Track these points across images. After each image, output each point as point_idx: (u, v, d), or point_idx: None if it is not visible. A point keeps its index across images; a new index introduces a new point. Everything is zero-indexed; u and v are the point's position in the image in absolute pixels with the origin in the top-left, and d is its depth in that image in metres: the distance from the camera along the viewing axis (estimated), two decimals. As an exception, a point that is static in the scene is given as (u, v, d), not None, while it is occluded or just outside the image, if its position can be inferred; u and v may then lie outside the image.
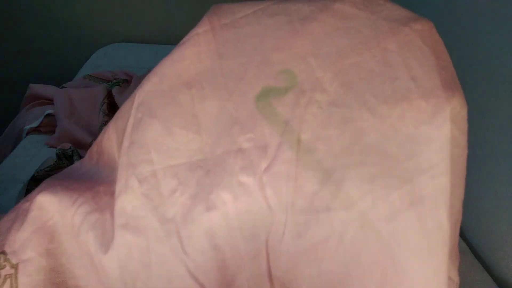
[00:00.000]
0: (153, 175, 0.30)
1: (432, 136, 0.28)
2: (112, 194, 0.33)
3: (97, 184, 0.36)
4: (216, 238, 0.28)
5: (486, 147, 0.62)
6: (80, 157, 0.74)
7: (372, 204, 0.26)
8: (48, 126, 0.87)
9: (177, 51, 0.35)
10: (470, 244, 0.65)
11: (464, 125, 0.31)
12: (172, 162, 0.30)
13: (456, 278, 0.31)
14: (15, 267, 0.31)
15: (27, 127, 0.86)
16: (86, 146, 0.78)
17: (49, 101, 0.92)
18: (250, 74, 0.31)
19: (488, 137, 0.61)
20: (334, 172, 0.26)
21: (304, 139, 0.28)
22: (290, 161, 0.28)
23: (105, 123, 0.83)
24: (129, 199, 0.31)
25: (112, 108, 0.88)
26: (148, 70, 1.11)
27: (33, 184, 0.68)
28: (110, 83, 0.96)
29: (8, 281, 0.31)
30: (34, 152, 0.81)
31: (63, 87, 0.95)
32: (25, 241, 0.33)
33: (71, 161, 0.73)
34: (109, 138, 0.38)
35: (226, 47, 0.32)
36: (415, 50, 0.30)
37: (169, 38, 1.41)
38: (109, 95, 0.92)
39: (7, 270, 0.31)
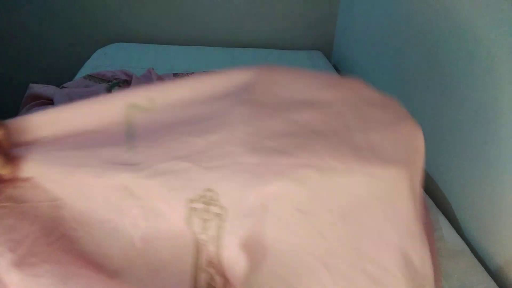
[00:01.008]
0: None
1: None
2: None
3: None
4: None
5: (485, 147, 0.62)
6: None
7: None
8: (48, 126, 0.87)
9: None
10: (470, 244, 0.65)
11: None
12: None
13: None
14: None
15: (27, 127, 0.86)
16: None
17: (49, 101, 0.92)
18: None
19: (488, 137, 0.61)
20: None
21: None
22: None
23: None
24: None
25: (111, 108, 0.88)
26: (148, 70, 1.11)
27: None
28: (110, 83, 0.96)
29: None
30: (34, 152, 0.80)
31: (63, 87, 0.95)
32: None
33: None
34: None
35: None
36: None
37: (169, 38, 1.42)
38: (109, 95, 0.92)
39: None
